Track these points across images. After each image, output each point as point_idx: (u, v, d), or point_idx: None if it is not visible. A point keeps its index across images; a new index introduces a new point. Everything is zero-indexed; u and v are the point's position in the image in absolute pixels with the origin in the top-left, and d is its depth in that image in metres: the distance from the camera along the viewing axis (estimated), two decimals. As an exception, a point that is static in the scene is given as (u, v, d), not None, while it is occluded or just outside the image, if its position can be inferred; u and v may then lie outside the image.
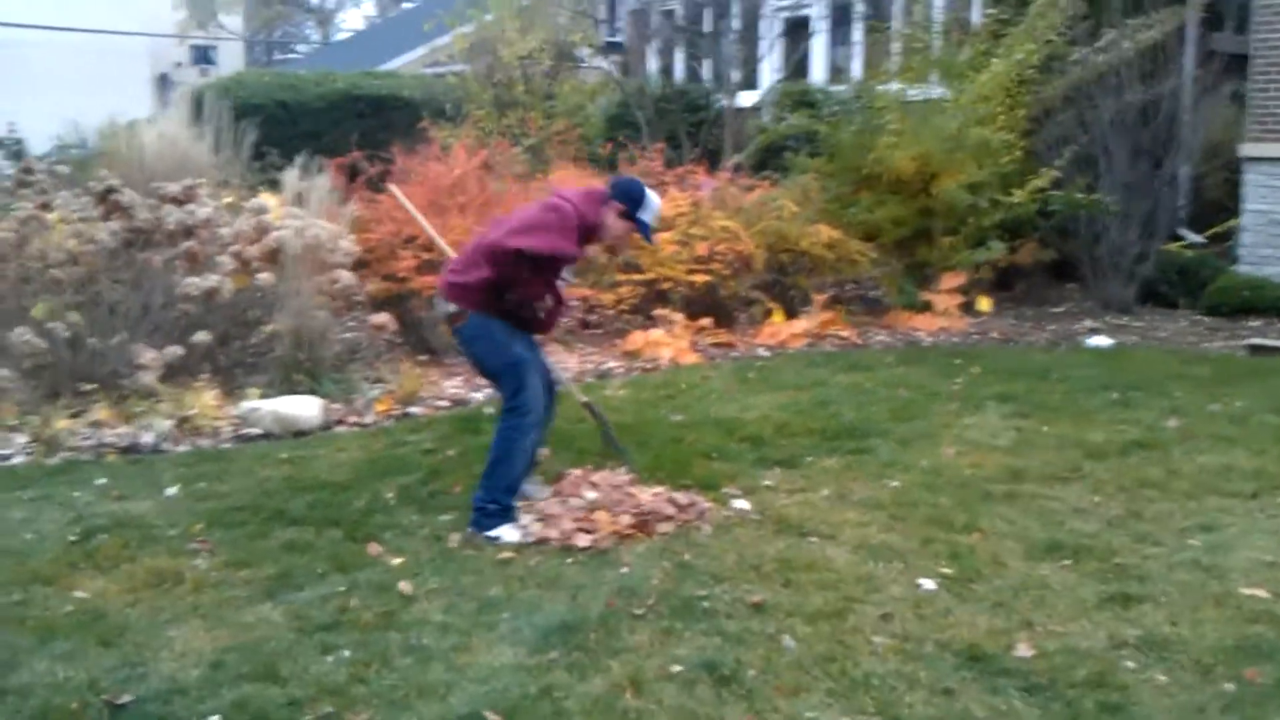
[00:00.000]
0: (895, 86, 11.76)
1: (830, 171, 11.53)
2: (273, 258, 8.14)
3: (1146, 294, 11.61)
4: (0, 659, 4.12)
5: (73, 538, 5.36)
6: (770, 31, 15.75)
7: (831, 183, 11.43)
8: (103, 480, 6.26)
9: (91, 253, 7.78)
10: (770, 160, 13.12)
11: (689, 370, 8.92)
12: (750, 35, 15.29)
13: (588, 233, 5.46)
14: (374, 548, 5.19)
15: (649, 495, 5.58)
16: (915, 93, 11.73)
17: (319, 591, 4.72)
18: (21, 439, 6.96)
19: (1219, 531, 5.33)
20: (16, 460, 6.74)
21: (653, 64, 17.34)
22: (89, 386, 7.42)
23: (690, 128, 15.07)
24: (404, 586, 4.74)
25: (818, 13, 15.72)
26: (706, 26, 16.69)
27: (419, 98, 16.39)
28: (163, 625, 4.42)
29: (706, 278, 9.97)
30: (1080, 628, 4.34)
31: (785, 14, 16.39)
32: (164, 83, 35.07)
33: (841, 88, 14.79)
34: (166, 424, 7.13)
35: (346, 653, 4.16)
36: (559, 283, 5.50)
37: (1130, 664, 4.05)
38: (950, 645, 4.18)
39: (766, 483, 6.09)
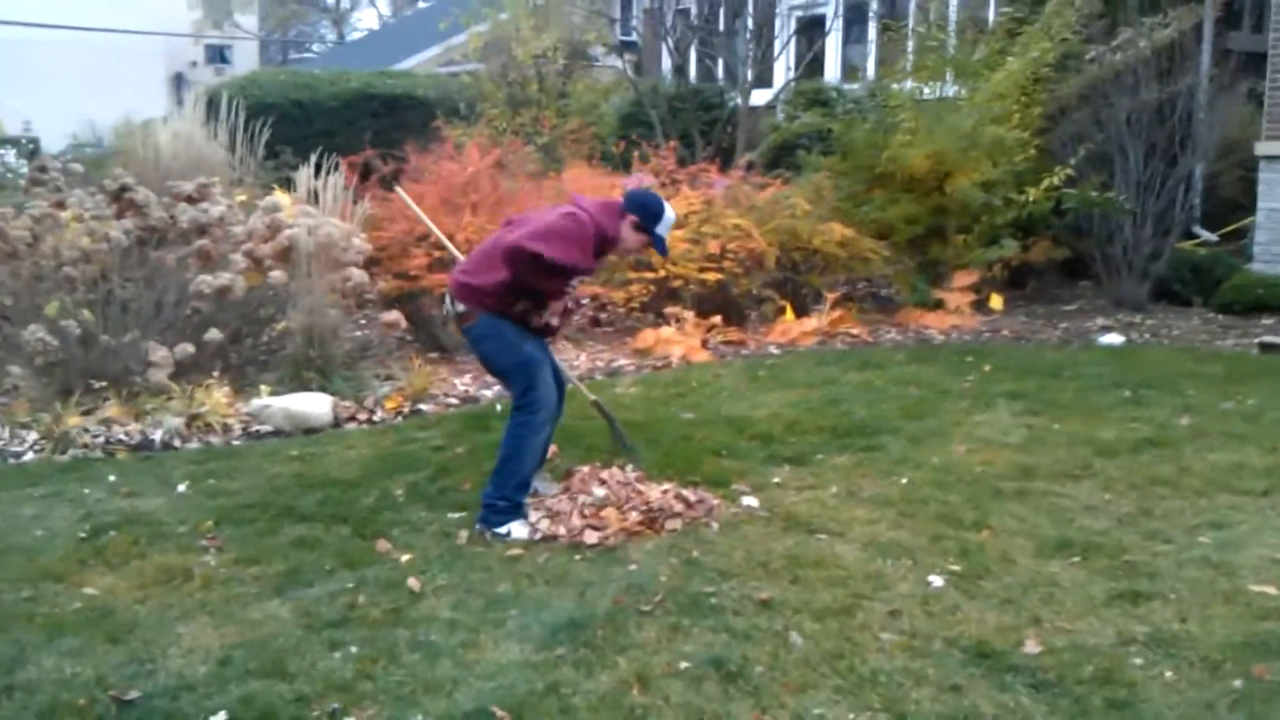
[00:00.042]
0: (909, 85, 11.74)
1: (843, 170, 11.51)
2: (285, 256, 8.15)
3: (1160, 292, 11.57)
4: (8, 655, 4.14)
5: (83, 534, 5.37)
6: (784, 30, 15.74)
7: (844, 181, 11.42)
8: (113, 477, 6.27)
9: (104, 251, 7.80)
10: (783, 159, 13.11)
11: (700, 368, 8.92)
12: (764, 34, 15.27)
13: (603, 245, 5.47)
14: (383, 544, 5.19)
15: (658, 492, 5.57)
16: (929, 91, 11.71)
17: (327, 588, 4.73)
18: (33, 436, 6.98)
19: (1230, 529, 5.31)
20: (28, 457, 6.76)
21: (666, 63, 17.31)
22: (100, 384, 7.44)
23: (703, 126, 15.07)
24: (412, 583, 4.74)
25: (832, 11, 15.68)
26: (721, 25, 16.70)
27: (433, 97, 16.41)
28: (171, 622, 4.42)
29: (718, 276, 9.96)
30: (1089, 625, 4.32)
31: (799, 12, 16.39)
32: (179, 82, 35.19)
33: (855, 86, 14.81)
34: (177, 421, 7.14)
35: (354, 649, 4.16)
36: (568, 288, 5.52)
37: (1139, 661, 4.03)
38: (958, 642, 4.17)
39: (776, 480, 6.08)
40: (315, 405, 7.46)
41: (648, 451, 6.37)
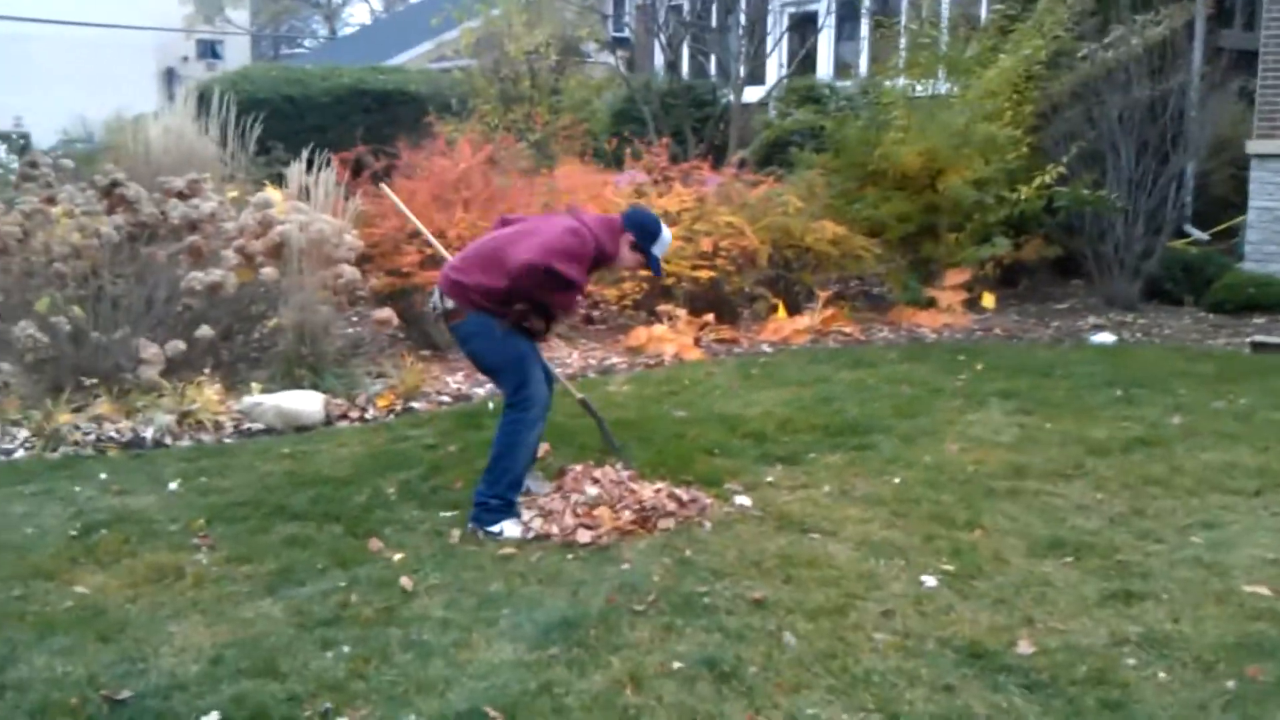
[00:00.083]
0: (902, 82, 11.75)
1: (835, 167, 11.51)
2: (277, 252, 8.13)
3: (1151, 291, 11.59)
4: (-1, 654, 4.13)
5: (73, 532, 5.36)
6: (777, 27, 15.74)
7: (837, 178, 11.42)
8: (104, 475, 6.25)
9: (95, 247, 7.77)
10: (775, 156, 13.13)
11: (692, 366, 8.92)
12: (757, 30, 15.27)
13: (600, 261, 5.51)
14: (375, 543, 5.18)
15: (650, 491, 5.57)
16: (922, 89, 11.71)
17: (319, 587, 4.72)
18: (23, 433, 6.95)
19: (1221, 529, 5.32)
20: (18, 454, 6.74)
21: (659, 59, 17.31)
22: (91, 381, 7.41)
23: (696, 123, 15.06)
24: (405, 582, 4.74)
25: (824, 8, 15.68)
26: (713, 21, 16.69)
27: (425, 92, 16.40)
28: (163, 621, 4.41)
29: (710, 273, 9.96)
30: (1082, 625, 4.32)
31: (792, 9, 16.39)
32: (170, 77, 35.08)
33: (848, 83, 14.81)
34: (168, 419, 7.13)
35: (346, 648, 4.15)
36: (575, 301, 5.56)
37: (1131, 661, 4.03)
38: (951, 642, 4.17)
39: (768, 479, 6.08)
40: (307, 403, 7.44)
41: (640, 450, 6.36)
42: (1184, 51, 11.85)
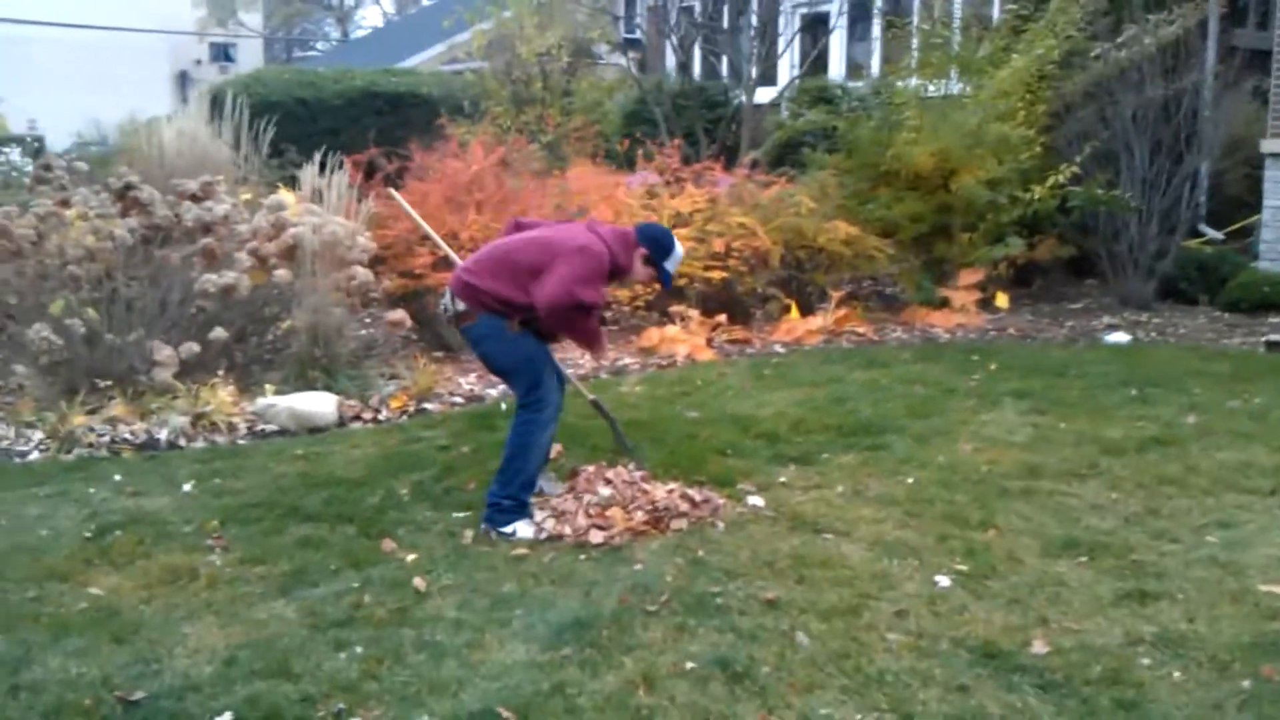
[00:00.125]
0: (914, 82, 11.73)
1: (848, 168, 11.49)
2: (290, 254, 8.14)
3: (1166, 290, 11.55)
4: (14, 655, 4.13)
5: (88, 534, 5.37)
6: (789, 27, 15.72)
7: (849, 179, 11.39)
8: (118, 477, 6.27)
9: (109, 249, 7.79)
10: (787, 156, 13.11)
11: (705, 367, 8.91)
12: (769, 31, 15.26)
13: (615, 275, 5.56)
14: (388, 544, 5.19)
15: (663, 492, 5.56)
16: (934, 89, 11.69)
17: (333, 588, 4.72)
18: (38, 435, 6.98)
19: (1237, 528, 5.30)
20: (33, 456, 6.76)
21: (671, 60, 17.30)
22: (105, 383, 7.44)
23: (708, 124, 15.05)
24: (418, 583, 4.74)
25: (836, 8, 15.66)
26: (725, 22, 16.68)
27: (437, 95, 16.43)
28: (177, 622, 4.42)
29: (723, 274, 9.96)
30: (1096, 625, 4.31)
31: (804, 10, 16.37)
32: (184, 80, 35.22)
33: (860, 84, 14.78)
34: (182, 420, 7.14)
35: (359, 649, 4.15)
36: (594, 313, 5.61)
37: (1146, 661, 4.02)
38: (965, 642, 4.16)
39: (781, 479, 6.07)
40: (320, 404, 7.46)
41: (653, 451, 6.36)
42: (1197, 51, 11.82)
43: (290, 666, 4.02)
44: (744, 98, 14.81)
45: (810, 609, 4.45)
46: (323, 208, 8.69)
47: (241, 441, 7.12)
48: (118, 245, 7.83)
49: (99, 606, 4.57)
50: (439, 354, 9.17)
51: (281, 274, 8.05)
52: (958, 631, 4.25)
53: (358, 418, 7.56)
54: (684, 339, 9.45)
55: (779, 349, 9.67)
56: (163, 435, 7.04)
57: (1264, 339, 9.65)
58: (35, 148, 17.15)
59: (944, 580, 4.72)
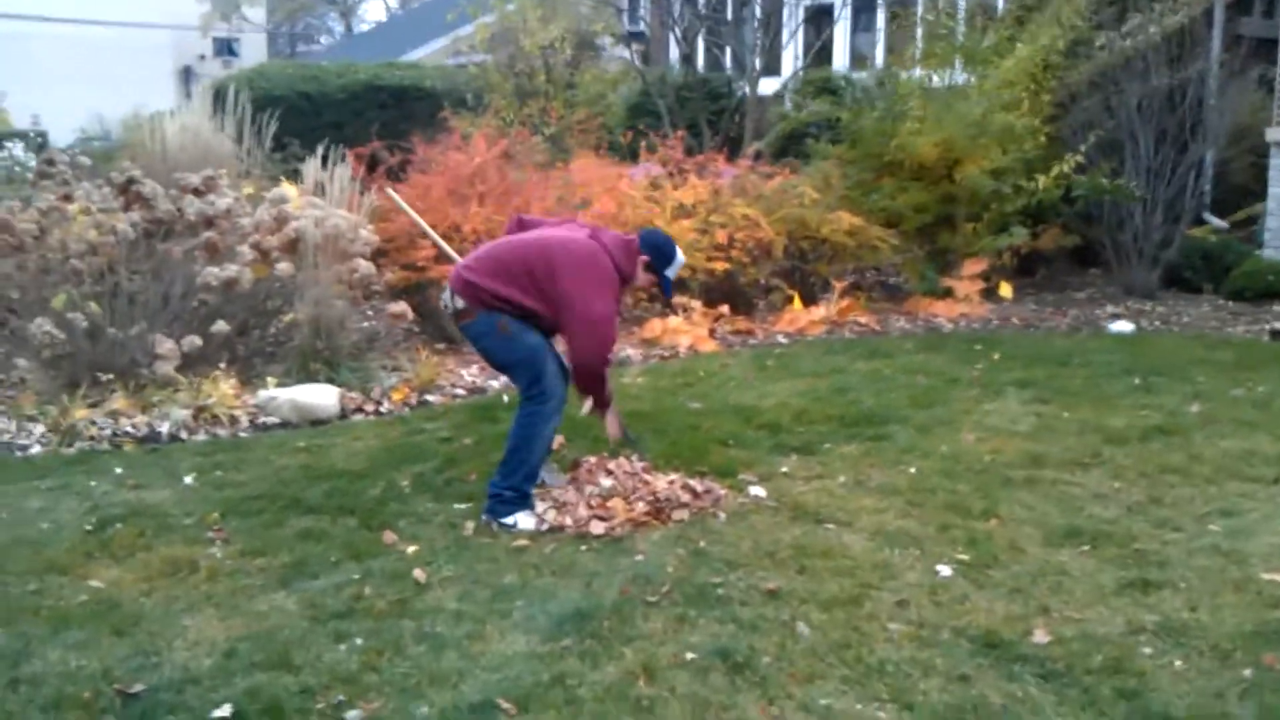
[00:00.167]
0: (918, 73, 11.71)
1: (852, 158, 11.48)
2: (292, 247, 8.13)
3: (1170, 279, 11.55)
4: (14, 648, 4.13)
5: (89, 527, 5.36)
6: (792, 18, 15.69)
7: (853, 169, 11.38)
8: (119, 470, 6.26)
9: (111, 243, 7.78)
10: (791, 147, 13.09)
11: (707, 358, 8.90)
12: (772, 22, 15.22)
13: (621, 285, 5.56)
14: (389, 536, 5.18)
15: (665, 482, 5.56)
16: (938, 79, 11.66)
17: (333, 580, 4.71)
18: (40, 428, 6.97)
19: (1240, 517, 5.29)
20: (35, 450, 6.75)
21: (674, 52, 17.28)
22: (107, 376, 7.42)
23: (711, 116, 15.02)
24: (418, 574, 4.73)
25: (840, -1, 15.65)
26: (729, 14, 16.65)
27: (440, 88, 16.39)
28: (177, 614, 4.41)
29: (726, 265, 9.94)
30: (1098, 614, 4.30)
31: (808, 1, 16.32)
32: (187, 75, 35.19)
33: (864, 74, 14.76)
34: (184, 413, 7.14)
35: (359, 641, 4.15)
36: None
37: (1148, 650, 4.01)
38: (966, 632, 4.15)
39: (783, 469, 6.07)
40: (322, 397, 7.45)
41: (655, 441, 6.35)
42: (1203, 39, 11.79)
43: (290, 658, 4.01)
44: (748, 89, 14.77)
45: (811, 599, 4.44)
46: (325, 201, 8.68)
47: (243, 434, 7.11)
48: (120, 239, 7.82)
49: (99, 599, 4.56)
50: (441, 346, 9.16)
51: (283, 267, 8.04)
52: (959, 621, 4.24)
53: (359, 410, 7.55)
54: (686, 330, 9.44)
55: (782, 340, 9.66)
56: (164, 428, 7.03)
57: (1268, 327, 9.64)
58: (38, 143, 17.13)
59: (945, 570, 4.71)
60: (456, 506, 5.55)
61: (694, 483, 5.62)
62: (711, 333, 9.58)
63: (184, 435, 7.00)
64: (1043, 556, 4.86)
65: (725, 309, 9.98)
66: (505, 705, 3.67)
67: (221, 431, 7.11)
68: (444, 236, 8.37)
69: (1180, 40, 11.32)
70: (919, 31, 12.82)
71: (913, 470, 6.02)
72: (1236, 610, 4.30)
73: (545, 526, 5.26)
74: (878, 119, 11.29)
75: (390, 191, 7.67)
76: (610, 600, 4.44)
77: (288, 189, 8.89)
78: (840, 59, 16.46)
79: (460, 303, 5.38)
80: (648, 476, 5.63)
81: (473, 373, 8.39)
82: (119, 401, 7.25)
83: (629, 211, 9.90)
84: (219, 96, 11.62)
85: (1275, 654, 3.93)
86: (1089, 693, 3.73)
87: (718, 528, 5.22)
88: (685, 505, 5.39)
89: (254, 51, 39.99)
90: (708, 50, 17.43)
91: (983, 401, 7.38)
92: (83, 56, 29.40)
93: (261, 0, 41.87)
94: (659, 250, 5.54)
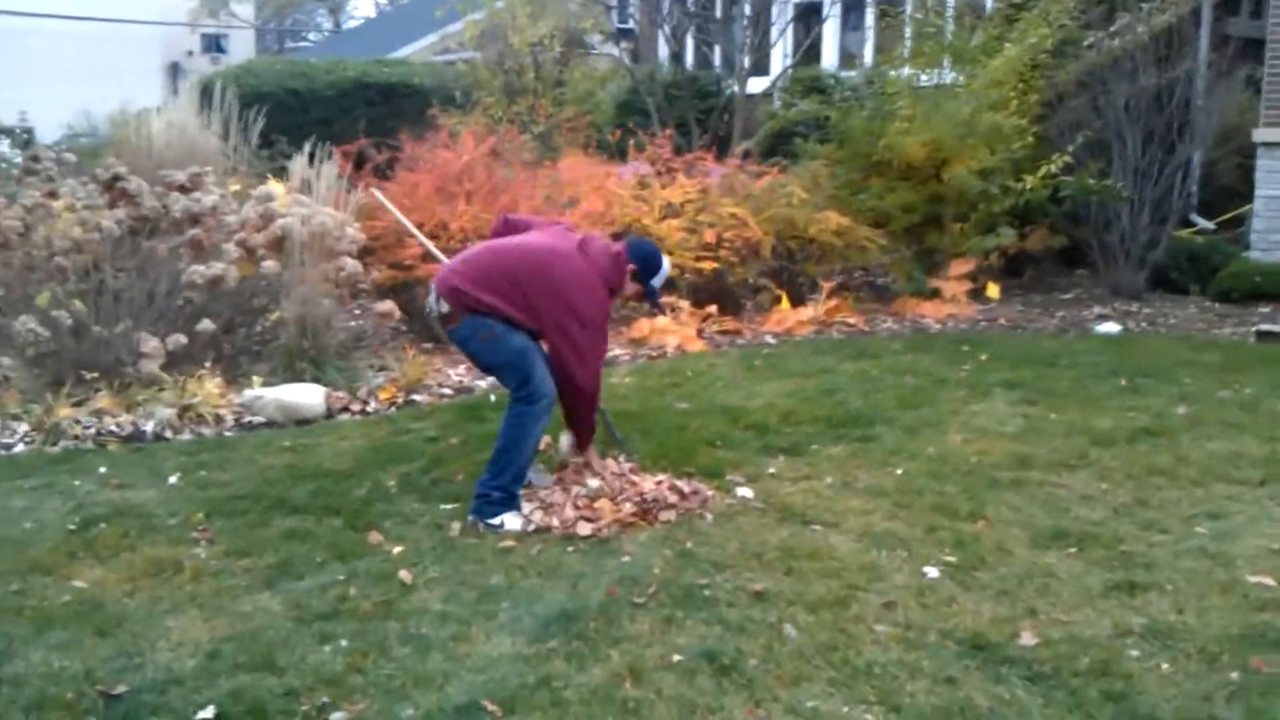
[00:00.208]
0: (907, 72, 11.70)
1: (840, 158, 11.46)
2: (278, 245, 8.11)
3: (1157, 280, 11.56)
4: (-4, 649, 4.11)
5: (72, 527, 5.34)
6: (781, 17, 15.67)
7: (841, 169, 11.36)
8: (104, 469, 6.23)
9: (96, 241, 7.75)
10: (780, 147, 13.07)
11: (695, 358, 8.88)
12: (762, 20, 15.20)
13: (611, 296, 5.63)
14: (374, 536, 5.16)
15: (652, 483, 5.54)
16: (927, 78, 11.66)
17: (318, 580, 4.69)
18: (24, 427, 6.94)
19: (1226, 519, 5.28)
20: (18, 448, 6.72)
21: (663, 50, 17.26)
22: (92, 375, 7.40)
23: (700, 114, 15.00)
24: (404, 575, 4.71)
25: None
26: (718, 12, 16.63)
27: (429, 85, 16.35)
28: (160, 615, 4.39)
29: (714, 265, 9.93)
30: (1085, 616, 4.30)
31: (796, -1, 16.32)
32: (175, 71, 35.09)
33: (853, 73, 14.76)
34: (169, 412, 7.11)
35: (344, 642, 4.13)
36: None
37: (1135, 653, 4.00)
38: (953, 634, 4.14)
39: (771, 470, 6.05)
40: (308, 396, 7.43)
41: (642, 442, 6.33)
42: (1191, 39, 11.80)
43: (274, 660, 3.99)
44: (736, 88, 14.75)
45: (798, 601, 4.43)
46: (312, 199, 8.65)
47: (228, 433, 7.09)
48: (105, 236, 7.79)
49: (82, 599, 4.54)
50: (428, 345, 9.13)
51: (269, 265, 8.01)
52: (946, 623, 4.23)
53: (346, 409, 7.53)
54: (674, 330, 9.42)
55: (769, 340, 9.65)
56: (149, 427, 7.01)
57: (1255, 329, 9.64)
58: (25, 139, 17.08)
59: (933, 571, 4.71)
60: (443, 507, 5.53)
61: (681, 483, 5.61)
62: (699, 332, 9.57)
63: (169, 434, 6.97)
64: (1030, 558, 4.85)
65: (713, 309, 9.97)
66: (491, 707, 3.66)
67: (206, 431, 7.09)
68: (431, 235, 8.38)
69: (1168, 40, 11.33)
70: (908, 30, 12.82)
71: (900, 471, 6.01)
72: (1223, 612, 4.30)
73: (532, 527, 5.24)
74: (866, 118, 11.29)
75: (375, 192, 7.64)
76: (597, 602, 4.43)
77: (274, 186, 8.85)
78: (829, 58, 16.44)
79: (445, 307, 5.37)
80: (635, 477, 5.62)
81: (460, 372, 8.37)
82: (103, 400, 7.22)
83: (616, 210, 9.89)
84: (206, 93, 11.58)
85: (1262, 657, 3.93)
86: (1076, 695, 3.72)
87: (705, 529, 5.21)
88: (672, 506, 5.38)
89: (242, 48, 39.94)
90: (697, 48, 17.41)
91: (970, 402, 7.38)
92: (71, 52, 29.34)
93: (250, -4, 41.83)
94: (645, 260, 5.58)
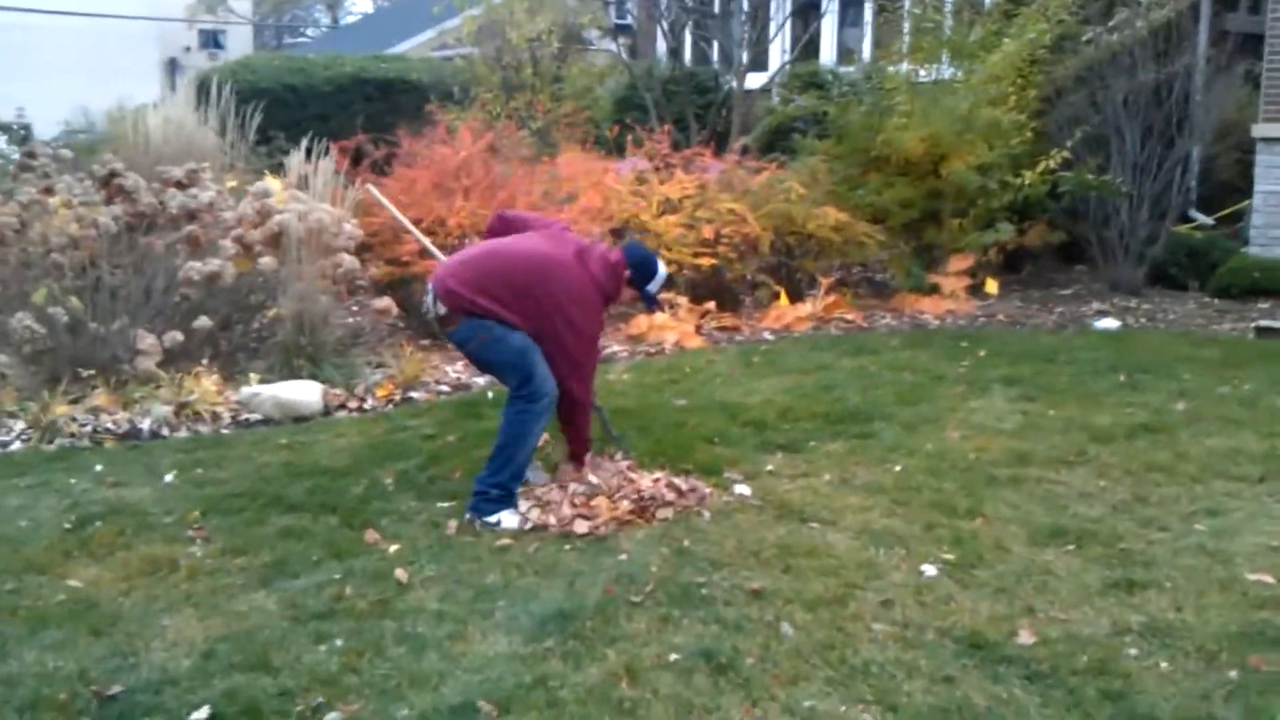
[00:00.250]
0: (905, 67, 11.67)
1: (838, 153, 11.44)
2: (275, 242, 8.08)
3: (1156, 276, 11.54)
4: (-10, 649, 4.09)
5: (68, 525, 5.32)
6: (780, 12, 15.64)
7: (839, 165, 11.34)
8: (100, 467, 6.22)
9: (93, 237, 7.73)
10: (778, 142, 13.06)
11: (693, 354, 8.87)
12: (760, 16, 15.18)
13: (607, 304, 5.68)
14: (371, 534, 5.15)
15: (649, 481, 5.52)
16: (925, 74, 11.64)
17: (314, 579, 4.68)
18: (20, 425, 6.92)
19: (1225, 516, 5.27)
20: (14, 446, 6.70)
21: (661, 46, 17.23)
22: (88, 372, 7.38)
23: (698, 110, 14.98)
24: (400, 574, 4.70)
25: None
26: (716, 7, 16.60)
27: (427, 81, 16.33)
28: (156, 614, 4.37)
29: (712, 261, 9.91)
30: (1083, 614, 4.28)
31: (795, -6, 16.29)
32: (173, 67, 35.01)
33: (851, 69, 14.73)
34: (165, 410, 7.09)
35: (340, 642, 4.11)
36: None
37: (1133, 651, 3.99)
38: (951, 632, 4.13)
39: (768, 467, 6.04)
40: (305, 393, 7.41)
41: (640, 439, 6.31)
42: (1189, 34, 11.78)
43: (269, 659, 3.98)
44: (735, 83, 14.72)
45: (796, 599, 4.41)
46: (309, 195, 8.63)
47: (225, 431, 7.07)
48: (102, 233, 7.77)
49: (77, 599, 4.53)
50: (426, 342, 9.10)
51: (266, 261, 7.99)
52: (944, 621, 4.22)
53: (343, 406, 7.51)
54: (672, 326, 9.41)
55: (768, 336, 9.64)
56: (146, 425, 6.99)
57: (1254, 324, 9.63)
58: (22, 135, 17.03)
59: (930, 569, 4.69)
60: (440, 505, 5.51)
61: (679, 481, 5.59)
62: (698, 329, 9.55)
63: (165, 432, 6.96)
64: (1028, 556, 4.84)
65: (711, 305, 9.95)
66: (486, 707, 3.64)
67: (203, 428, 7.07)
68: (428, 230, 8.36)
69: (1167, 35, 11.32)
70: (906, 26, 12.79)
71: (898, 468, 6.00)
72: (1222, 610, 4.28)
73: (529, 525, 5.22)
74: (864, 114, 11.27)
75: (371, 188, 7.61)
76: (593, 600, 4.41)
77: (271, 182, 8.82)
78: (827, 53, 16.41)
79: (442, 309, 5.35)
80: (632, 475, 5.60)
81: (457, 369, 8.35)
82: (100, 398, 7.20)
83: (614, 206, 9.87)
84: (203, 89, 11.56)
85: (1261, 655, 3.92)
86: (1074, 694, 3.71)
87: (702, 526, 5.19)
88: (670, 504, 5.36)
89: (240, 44, 39.85)
90: (695, 44, 17.38)
91: (968, 399, 7.36)
92: (68, 48, 29.25)
93: (248, -8, 41.79)
94: (641, 266, 5.59)
